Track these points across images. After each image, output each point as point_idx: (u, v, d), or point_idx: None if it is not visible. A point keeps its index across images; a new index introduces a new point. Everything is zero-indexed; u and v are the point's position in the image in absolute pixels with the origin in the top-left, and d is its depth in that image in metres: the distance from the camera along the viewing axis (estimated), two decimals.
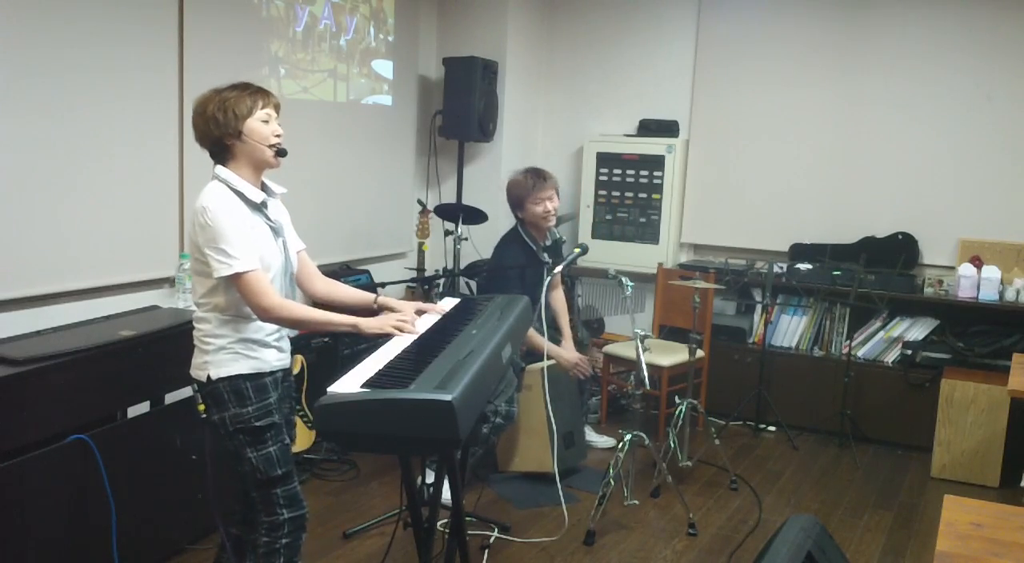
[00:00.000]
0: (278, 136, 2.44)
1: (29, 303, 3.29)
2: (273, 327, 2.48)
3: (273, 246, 2.45)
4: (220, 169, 2.42)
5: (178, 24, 3.76)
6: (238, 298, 2.38)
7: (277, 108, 2.47)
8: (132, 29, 3.56)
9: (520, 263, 4.00)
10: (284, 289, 2.49)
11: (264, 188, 2.50)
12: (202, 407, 2.45)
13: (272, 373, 2.48)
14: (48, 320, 3.21)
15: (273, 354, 2.49)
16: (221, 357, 2.40)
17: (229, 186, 2.39)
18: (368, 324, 2.45)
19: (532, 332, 3.71)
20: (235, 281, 2.33)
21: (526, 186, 4.02)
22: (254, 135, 2.39)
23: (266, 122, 2.41)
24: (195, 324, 2.46)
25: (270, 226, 2.46)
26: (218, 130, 2.37)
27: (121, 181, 3.58)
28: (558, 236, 4.16)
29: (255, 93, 2.42)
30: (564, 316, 4.32)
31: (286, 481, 2.46)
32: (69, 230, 3.40)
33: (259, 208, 2.44)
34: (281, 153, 2.45)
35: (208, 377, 2.40)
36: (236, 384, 2.40)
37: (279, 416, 2.48)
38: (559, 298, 4.33)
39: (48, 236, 3.32)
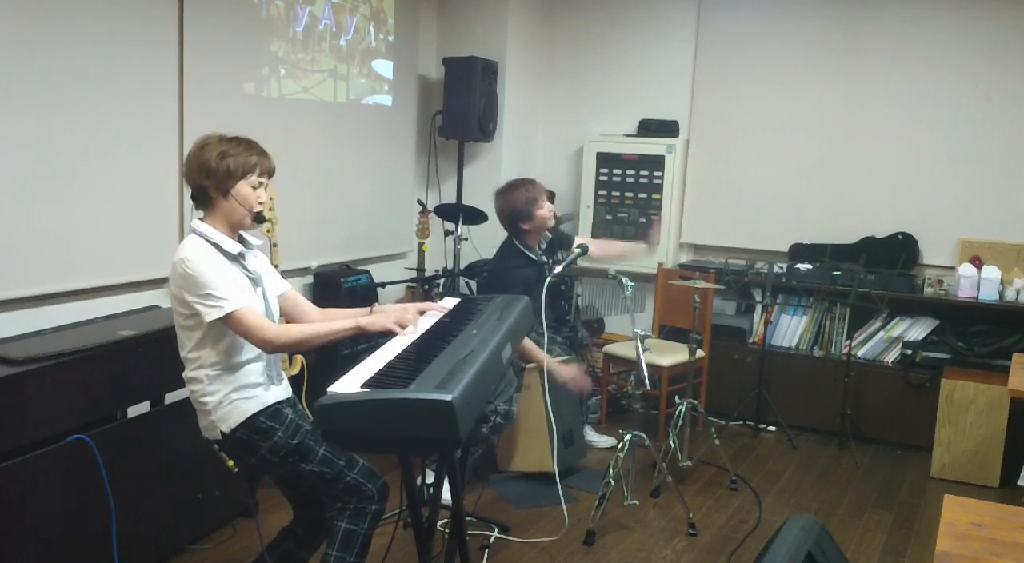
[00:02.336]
0: (262, 203, 2.45)
1: (29, 303, 3.29)
2: (261, 367, 2.47)
3: (252, 296, 2.45)
4: (198, 223, 2.43)
5: (178, 24, 3.76)
6: (226, 346, 2.38)
7: (271, 173, 2.48)
8: (132, 28, 3.55)
9: (527, 266, 3.99)
10: None
11: (241, 240, 2.50)
12: (231, 463, 2.45)
13: (276, 404, 2.48)
14: (48, 320, 3.21)
15: (272, 390, 2.49)
16: (224, 411, 2.41)
17: (207, 238, 2.40)
18: (370, 321, 2.44)
19: (529, 344, 3.68)
20: (229, 322, 2.32)
21: (531, 194, 3.97)
22: (240, 198, 2.40)
23: (255, 188, 2.43)
24: (187, 385, 2.47)
25: (248, 276, 2.47)
26: (207, 180, 2.38)
27: (121, 181, 3.58)
28: (550, 236, 4.16)
29: (259, 154, 2.43)
30: None
31: (352, 465, 2.48)
32: (69, 230, 3.39)
33: (236, 259, 2.45)
34: (259, 219, 2.45)
35: (223, 433, 2.41)
36: (252, 424, 2.41)
37: (306, 422, 2.49)
38: None
39: (48, 236, 3.31)
